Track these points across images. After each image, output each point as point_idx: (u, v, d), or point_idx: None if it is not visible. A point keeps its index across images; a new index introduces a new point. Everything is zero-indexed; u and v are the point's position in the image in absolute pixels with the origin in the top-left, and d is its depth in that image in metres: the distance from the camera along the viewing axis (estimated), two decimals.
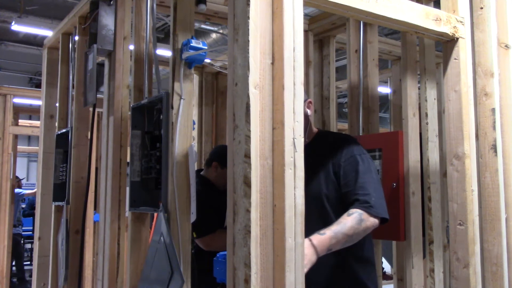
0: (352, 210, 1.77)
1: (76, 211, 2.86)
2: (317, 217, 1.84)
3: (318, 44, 3.29)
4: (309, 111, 1.97)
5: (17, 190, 7.71)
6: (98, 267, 2.56)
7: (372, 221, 1.78)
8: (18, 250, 7.82)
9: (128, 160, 2.29)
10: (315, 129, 2.09)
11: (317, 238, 1.65)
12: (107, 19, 2.51)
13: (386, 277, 5.52)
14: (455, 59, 1.85)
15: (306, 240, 1.63)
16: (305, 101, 1.92)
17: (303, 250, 1.34)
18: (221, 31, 8.02)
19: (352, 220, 1.73)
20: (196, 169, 2.34)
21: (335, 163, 1.90)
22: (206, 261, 2.42)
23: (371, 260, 2.03)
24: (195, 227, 2.54)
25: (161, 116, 2.03)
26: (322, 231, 1.67)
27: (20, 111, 6.28)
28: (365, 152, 1.94)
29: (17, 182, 7.92)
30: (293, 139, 1.33)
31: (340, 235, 1.68)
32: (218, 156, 2.78)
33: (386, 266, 5.61)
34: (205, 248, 2.61)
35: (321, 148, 1.97)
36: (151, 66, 2.25)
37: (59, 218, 3.01)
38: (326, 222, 1.77)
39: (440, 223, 2.75)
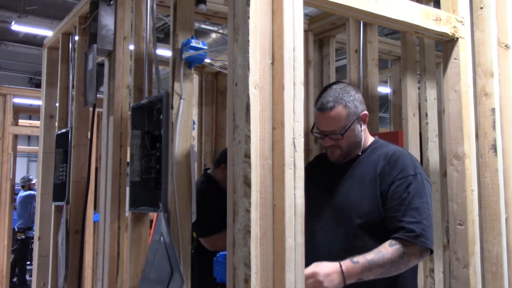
0: (394, 241, 1.61)
1: (76, 211, 2.86)
2: (347, 232, 1.70)
3: (318, 44, 3.29)
4: (362, 125, 1.83)
5: (28, 192, 7.70)
6: (98, 267, 2.56)
7: (418, 255, 1.62)
8: (24, 254, 7.82)
9: (128, 160, 2.29)
10: (371, 139, 1.91)
11: (347, 265, 1.56)
12: (107, 19, 2.51)
13: None
14: (455, 59, 1.85)
15: (336, 265, 1.56)
16: (359, 115, 1.81)
17: (303, 250, 1.34)
18: (221, 31, 8.02)
19: (394, 253, 1.58)
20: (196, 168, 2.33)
21: (384, 181, 1.70)
22: (206, 262, 2.42)
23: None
24: (200, 227, 2.54)
25: (161, 116, 2.02)
26: (355, 259, 1.57)
27: (20, 111, 6.28)
28: (420, 172, 1.72)
29: (27, 184, 7.92)
30: (293, 139, 1.33)
31: (375, 267, 1.56)
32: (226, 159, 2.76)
33: None
34: (210, 248, 2.60)
35: (371, 161, 1.79)
36: (151, 66, 2.25)
37: (59, 218, 3.01)
38: (351, 240, 1.67)
39: (440, 223, 2.75)
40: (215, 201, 2.56)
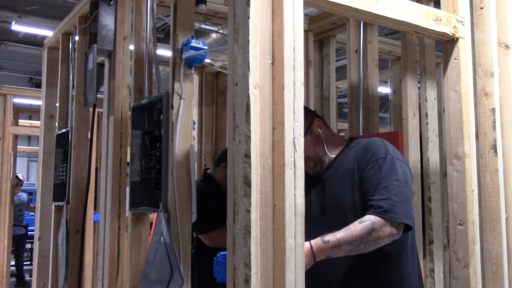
0: (365, 218, 1.63)
1: (76, 211, 2.86)
2: (339, 226, 1.70)
3: (318, 44, 3.29)
4: (320, 131, 1.90)
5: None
6: (98, 267, 2.56)
7: (387, 231, 1.61)
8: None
9: (128, 160, 2.29)
10: (343, 141, 1.97)
11: (318, 245, 1.58)
12: (107, 19, 2.51)
13: None
14: (455, 59, 1.85)
15: (306, 244, 1.56)
16: (310, 124, 1.87)
17: (303, 250, 1.34)
18: (221, 31, 8.02)
19: (362, 229, 1.60)
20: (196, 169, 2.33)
21: (360, 169, 1.76)
22: (206, 262, 2.42)
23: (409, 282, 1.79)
24: (199, 224, 2.54)
25: (161, 116, 2.03)
26: (326, 238, 1.59)
27: (20, 111, 6.27)
28: (391, 153, 1.75)
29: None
30: (293, 139, 1.33)
31: (344, 245, 1.59)
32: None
33: None
34: (210, 244, 2.61)
35: (349, 156, 1.84)
36: (151, 66, 2.25)
37: (59, 218, 3.01)
38: None
39: (440, 223, 2.75)
40: (214, 199, 2.57)
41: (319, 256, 1.58)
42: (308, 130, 1.87)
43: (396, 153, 1.78)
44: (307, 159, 1.85)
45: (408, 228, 1.66)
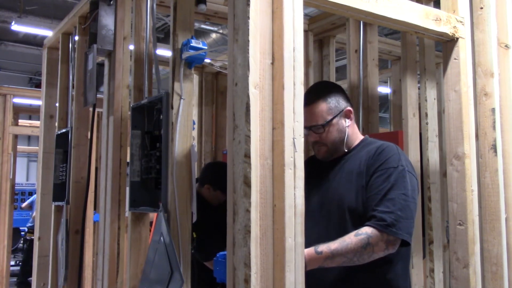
0: (362, 230, 1.60)
1: (76, 211, 2.86)
2: (336, 227, 1.71)
3: (318, 44, 3.29)
4: (347, 121, 1.84)
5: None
6: (98, 267, 2.56)
7: (383, 246, 1.59)
8: (31, 255, 7.83)
9: (128, 160, 2.29)
10: (360, 137, 1.91)
11: (310, 255, 1.56)
12: (107, 19, 2.51)
13: None
14: (455, 59, 1.85)
15: None
16: (342, 110, 1.83)
17: (303, 250, 1.34)
18: (221, 31, 8.01)
19: (357, 243, 1.57)
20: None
21: (368, 173, 1.72)
22: (206, 271, 2.42)
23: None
24: (201, 253, 2.53)
25: (161, 116, 2.03)
26: (320, 249, 1.58)
27: (20, 111, 6.28)
28: (403, 164, 1.71)
29: None
30: (293, 139, 1.33)
31: (337, 257, 1.58)
32: (209, 179, 2.77)
33: None
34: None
35: (359, 156, 1.80)
36: (151, 66, 2.25)
37: (59, 218, 3.01)
38: (342, 234, 1.64)
39: (440, 223, 2.75)
40: (209, 220, 2.51)
41: (310, 266, 1.56)
42: (337, 116, 1.81)
43: (408, 164, 1.74)
44: (321, 144, 1.83)
45: (404, 243, 1.64)
